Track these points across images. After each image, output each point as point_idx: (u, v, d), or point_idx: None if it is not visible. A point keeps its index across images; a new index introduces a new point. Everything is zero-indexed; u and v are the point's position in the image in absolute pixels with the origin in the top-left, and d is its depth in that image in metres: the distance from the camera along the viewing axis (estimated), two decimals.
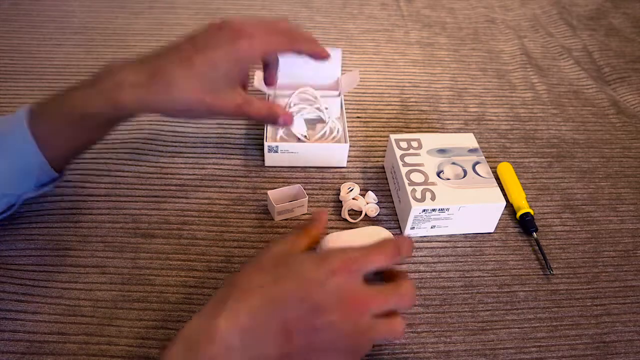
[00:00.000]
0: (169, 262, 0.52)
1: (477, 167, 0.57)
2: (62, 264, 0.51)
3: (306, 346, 0.36)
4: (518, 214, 0.58)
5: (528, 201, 0.61)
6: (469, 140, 0.61)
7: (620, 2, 1.02)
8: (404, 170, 0.56)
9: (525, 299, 0.52)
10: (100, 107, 0.45)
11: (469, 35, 0.89)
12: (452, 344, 0.48)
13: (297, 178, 0.61)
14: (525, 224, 0.57)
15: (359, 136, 0.68)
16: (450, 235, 0.57)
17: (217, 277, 0.51)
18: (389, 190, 0.61)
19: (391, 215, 0.58)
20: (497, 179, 0.63)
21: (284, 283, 0.37)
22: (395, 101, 0.74)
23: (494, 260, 0.55)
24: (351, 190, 0.59)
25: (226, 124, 0.67)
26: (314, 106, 0.64)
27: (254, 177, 0.61)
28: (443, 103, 0.74)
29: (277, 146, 0.60)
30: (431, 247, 0.55)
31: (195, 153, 0.63)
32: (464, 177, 0.56)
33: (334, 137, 0.63)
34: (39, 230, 0.53)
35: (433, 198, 0.53)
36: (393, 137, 0.60)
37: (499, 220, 0.58)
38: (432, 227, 0.55)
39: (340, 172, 0.63)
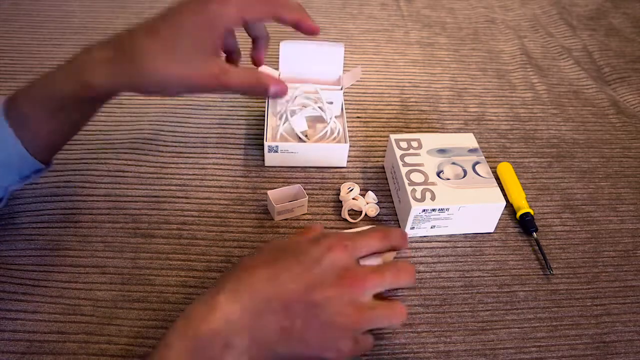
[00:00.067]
0: (169, 262, 0.52)
1: (477, 167, 0.57)
2: (62, 264, 0.51)
3: (306, 321, 0.37)
4: (518, 214, 0.58)
5: (528, 201, 0.61)
6: (469, 140, 0.61)
7: (620, 2, 1.02)
8: (404, 170, 0.56)
9: (525, 299, 0.52)
10: (69, 87, 0.42)
11: (469, 35, 0.89)
12: (452, 344, 0.48)
13: (297, 178, 0.61)
14: (525, 224, 0.57)
15: (359, 136, 0.68)
16: (450, 235, 0.57)
17: (217, 277, 0.51)
18: (389, 190, 0.61)
19: (391, 215, 0.58)
20: (497, 179, 0.63)
21: (282, 261, 0.39)
22: (395, 101, 0.74)
23: (494, 260, 0.55)
24: (351, 190, 0.59)
25: (226, 124, 0.67)
26: (317, 105, 0.64)
27: (254, 177, 0.61)
28: (443, 103, 0.74)
29: (277, 146, 0.60)
30: (431, 247, 0.55)
31: (195, 153, 0.63)
32: (464, 177, 0.56)
33: (334, 137, 0.63)
34: (39, 230, 0.53)
35: (433, 198, 0.53)
36: (393, 137, 0.60)
37: (499, 220, 0.58)
38: (432, 227, 0.55)
39: (340, 172, 0.63)
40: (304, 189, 0.57)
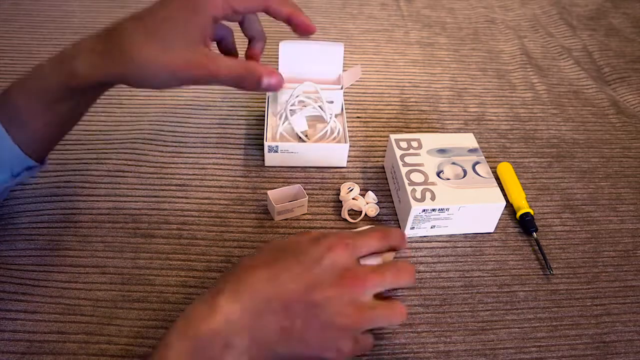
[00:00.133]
0: (169, 262, 0.52)
1: (477, 167, 0.57)
2: (62, 264, 0.51)
3: (306, 321, 0.37)
4: (518, 214, 0.58)
5: (528, 201, 0.61)
6: (468, 140, 0.61)
7: (620, 2, 1.02)
8: (404, 170, 0.56)
9: (525, 299, 0.52)
10: (57, 77, 0.42)
11: (469, 35, 0.89)
12: (452, 344, 0.48)
13: (297, 178, 0.61)
14: (525, 224, 0.57)
15: (359, 136, 0.68)
16: (450, 235, 0.57)
17: (217, 277, 0.51)
18: (389, 190, 0.61)
19: (391, 215, 0.58)
20: (497, 179, 0.63)
21: (282, 261, 0.39)
22: (395, 101, 0.74)
23: (493, 260, 0.55)
24: (351, 190, 0.59)
25: (226, 124, 0.67)
26: (317, 104, 0.64)
27: (254, 177, 0.61)
28: (443, 103, 0.74)
29: (277, 146, 0.60)
30: (431, 247, 0.55)
31: (195, 153, 0.63)
32: (464, 177, 0.56)
33: (334, 137, 0.63)
34: (38, 230, 0.53)
35: (433, 198, 0.53)
36: (393, 137, 0.60)
37: (499, 220, 0.58)
38: (432, 227, 0.55)
39: (340, 172, 0.63)
40: (304, 189, 0.57)
